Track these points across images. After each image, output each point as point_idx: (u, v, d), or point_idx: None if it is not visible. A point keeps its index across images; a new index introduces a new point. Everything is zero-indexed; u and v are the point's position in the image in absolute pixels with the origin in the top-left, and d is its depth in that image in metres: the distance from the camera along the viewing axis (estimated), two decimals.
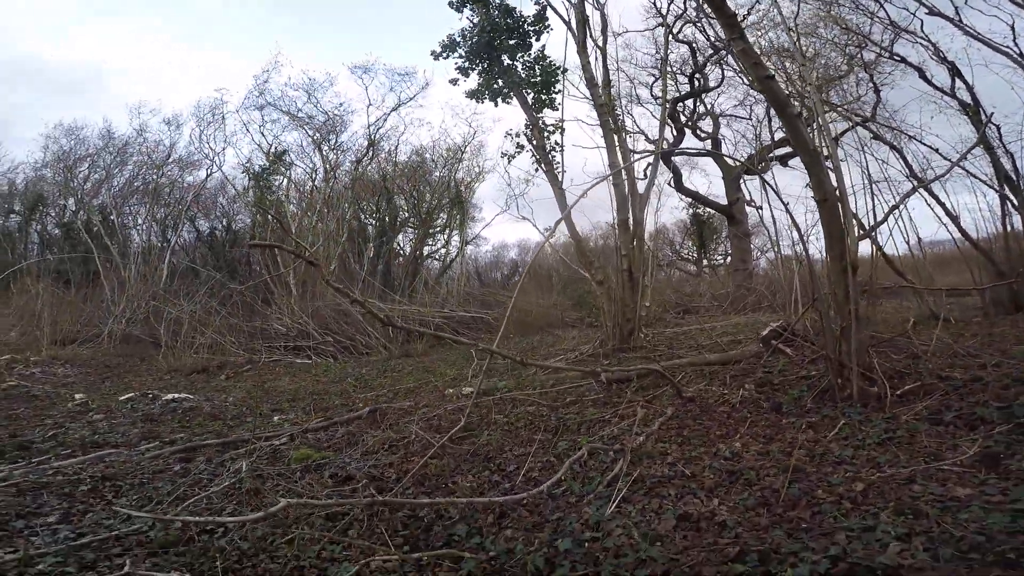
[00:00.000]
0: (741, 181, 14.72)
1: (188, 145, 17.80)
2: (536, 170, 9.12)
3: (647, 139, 15.43)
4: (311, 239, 13.57)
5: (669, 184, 15.43)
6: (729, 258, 19.52)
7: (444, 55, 9.25)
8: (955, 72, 7.58)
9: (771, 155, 13.49)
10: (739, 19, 3.67)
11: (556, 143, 8.78)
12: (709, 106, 16.12)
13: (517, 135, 9.22)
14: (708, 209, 18.57)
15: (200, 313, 11.02)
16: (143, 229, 17.85)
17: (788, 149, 13.21)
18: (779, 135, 13.58)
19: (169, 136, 17.98)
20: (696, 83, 14.82)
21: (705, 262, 23.57)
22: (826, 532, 2.17)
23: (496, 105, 9.24)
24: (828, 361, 3.75)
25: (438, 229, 21.15)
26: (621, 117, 8.52)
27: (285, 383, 7.30)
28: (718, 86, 14.89)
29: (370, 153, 17.67)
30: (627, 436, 3.40)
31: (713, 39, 13.10)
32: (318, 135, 16.93)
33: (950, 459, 2.63)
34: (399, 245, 20.22)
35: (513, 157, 9.40)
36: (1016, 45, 6.44)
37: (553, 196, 8.47)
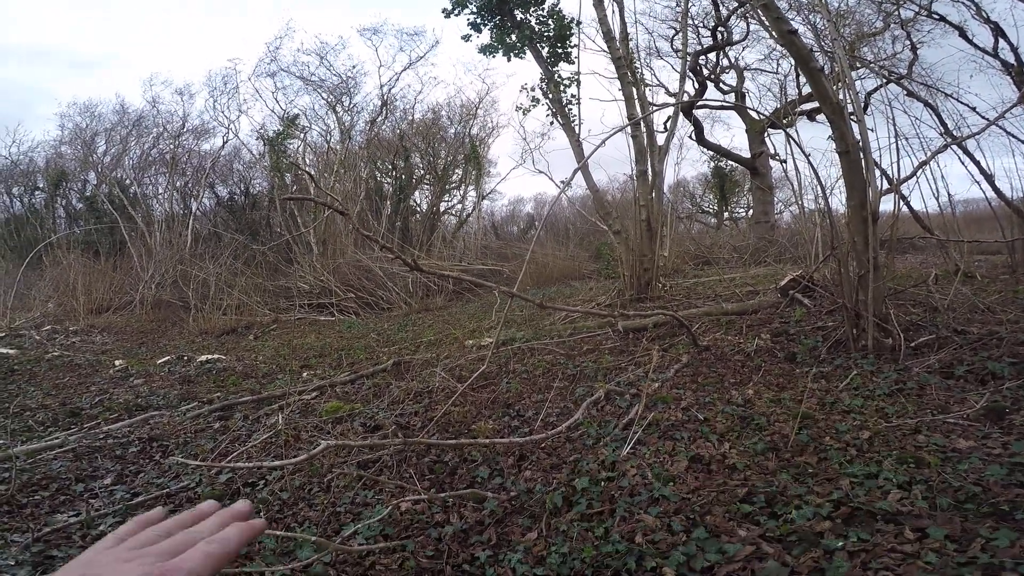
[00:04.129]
0: (765, 135, 14.35)
1: (202, 113, 17.82)
2: (552, 123, 9.04)
3: (668, 92, 15.07)
4: (330, 198, 13.65)
5: (690, 137, 15.12)
6: (751, 211, 19.17)
7: (455, 12, 9.06)
8: (999, 32, 7.20)
9: (797, 109, 13.08)
10: None
11: (572, 96, 8.67)
12: (733, 59, 15.56)
13: (532, 89, 9.12)
14: (730, 162, 18.18)
15: (226, 275, 11.22)
16: (164, 198, 18.11)
17: (814, 103, 12.80)
18: (805, 89, 13.15)
19: (183, 106, 18.03)
20: (719, 36, 14.30)
21: (726, 215, 23.20)
22: (831, 477, 2.20)
23: (509, 60, 9.09)
24: (845, 311, 3.76)
25: (454, 185, 21.10)
26: (640, 70, 8.32)
27: (311, 340, 7.44)
28: (742, 40, 14.35)
29: (384, 113, 17.53)
30: (643, 382, 3.46)
31: None
32: (332, 97, 16.80)
33: (957, 412, 2.63)
34: (416, 202, 20.27)
35: (528, 111, 9.34)
36: None
37: (569, 148, 8.42)
